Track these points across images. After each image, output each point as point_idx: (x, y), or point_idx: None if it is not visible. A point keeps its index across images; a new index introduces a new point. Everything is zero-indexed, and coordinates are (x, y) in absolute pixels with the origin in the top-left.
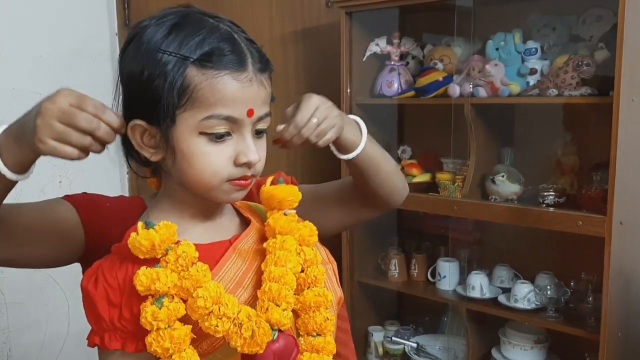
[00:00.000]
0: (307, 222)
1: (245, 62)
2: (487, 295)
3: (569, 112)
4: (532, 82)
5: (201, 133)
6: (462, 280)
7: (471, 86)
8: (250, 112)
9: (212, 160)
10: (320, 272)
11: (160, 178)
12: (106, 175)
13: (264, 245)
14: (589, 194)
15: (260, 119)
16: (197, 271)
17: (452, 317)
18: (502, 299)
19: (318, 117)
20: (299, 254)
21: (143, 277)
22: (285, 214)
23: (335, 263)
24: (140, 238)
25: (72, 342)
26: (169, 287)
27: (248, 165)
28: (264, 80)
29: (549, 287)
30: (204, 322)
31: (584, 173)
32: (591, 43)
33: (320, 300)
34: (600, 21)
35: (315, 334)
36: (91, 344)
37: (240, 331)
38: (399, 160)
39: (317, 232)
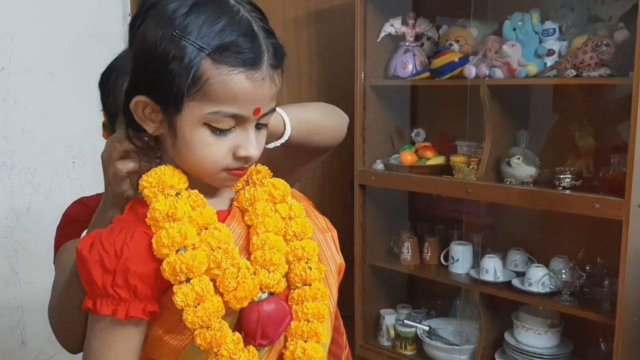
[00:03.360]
0: (275, 179)
1: (261, 60)
2: (501, 278)
3: (587, 93)
4: (549, 63)
5: (205, 124)
6: (476, 263)
7: (487, 67)
8: (257, 111)
9: (212, 151)
10: (303, 224)
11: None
12: None
13: (245, 220)
14: (606, 177)
15: (265, 114)
16: (209, 211)
17: (465, 300)
18: (516, 282)
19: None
20: (276, 212)
21: (159, 209)
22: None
23: (335, 231)
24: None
25: None
26: (189, 216)
27: (246, 159)
28: (276, 77)
29: (563, 271)
30: (214, 254)
31: (601, 156)
32: (610, 23)
33: (299, 253)
34: (620, 1)
35: (300, 284)
36: (85, 307)
37: (238, 274)
38: (412, 143)
39: (287, 187)
